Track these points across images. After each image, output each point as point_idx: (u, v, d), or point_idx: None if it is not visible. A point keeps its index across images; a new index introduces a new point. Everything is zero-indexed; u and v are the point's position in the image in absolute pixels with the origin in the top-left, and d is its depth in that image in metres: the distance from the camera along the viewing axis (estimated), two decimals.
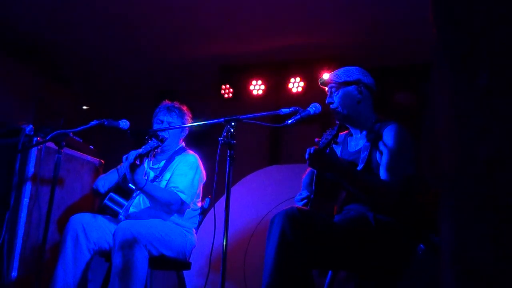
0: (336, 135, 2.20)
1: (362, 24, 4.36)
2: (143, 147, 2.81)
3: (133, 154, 2.76)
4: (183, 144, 3.27)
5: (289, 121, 2.36)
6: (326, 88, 2.50)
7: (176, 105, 3.21)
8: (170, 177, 3.04)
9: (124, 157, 2.81)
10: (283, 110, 2.45)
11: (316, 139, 2.18)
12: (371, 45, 4.59)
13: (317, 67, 4.63)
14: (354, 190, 2.22)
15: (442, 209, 0.91)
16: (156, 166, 3.18)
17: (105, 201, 3.02)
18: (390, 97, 4.45)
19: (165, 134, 2.97)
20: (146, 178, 2.90)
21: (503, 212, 0.80)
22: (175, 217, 3.01)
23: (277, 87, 5.05)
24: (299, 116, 2.36)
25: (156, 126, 3.14)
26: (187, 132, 3.26)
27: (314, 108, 2.40)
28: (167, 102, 3.23)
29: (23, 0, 4.28)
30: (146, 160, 3.17)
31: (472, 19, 0.88)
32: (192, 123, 3.18)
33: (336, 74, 2.46)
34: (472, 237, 0.83)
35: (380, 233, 2.14)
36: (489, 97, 0.82)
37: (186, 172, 3.02)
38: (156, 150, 2.94)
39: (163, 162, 3.16)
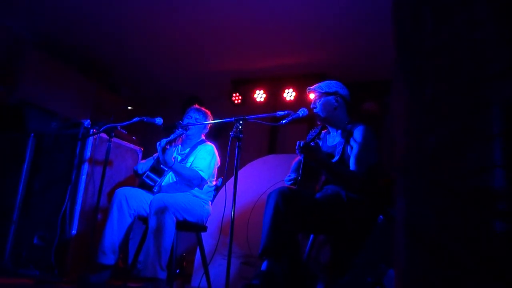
0: (319, 133, 2.21)
1: (341, 50, 4.34)
2: (171, 135, 2.86)
3: (164, 140, 2.79)
4: (204, 137, 3.27)
5: (283, 121, 2.37)
6: (312, 95, 2.49)
7: (203, 109, 3.24)
8: (193, 160, 3.04)
9: (158, 143, 2.81)
10: (279, 113, 2.45)
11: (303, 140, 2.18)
12: (348, 65, 4.57)
13: (306, 81, 4.60)
14: (329, 177, 2.21)
15: (396, 189, 0.91)
16: (182, 152, 3.18)
17: (143, 178, 3.04)
18: (361, 104, 4.44)
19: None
20: (174, 160, 2.90)
21: (444, 190, 0.80)
22: (196, 191, 3.00)
23: (275, 96, 5.06)
24: (291, 117, 2.37)
25: (186, 119, 3.16)
26: (207, 130, 3.26)
27: (302, 111, 2.39)
28: (197, 105, 3.26)
29: (88, 32, 4.32)
30: (175, 147, 3.18)
31: (422, 46, 0.88)
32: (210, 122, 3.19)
33: (320, 86, 2.45)
34: (419, 210, 0.83)
35: (350, 206, 2.14)
36: (434, 103, 0.82)
37: (205, 156, 3.02)
38: (181, 136, 2.97)
39: (188, 149, 3.16)
